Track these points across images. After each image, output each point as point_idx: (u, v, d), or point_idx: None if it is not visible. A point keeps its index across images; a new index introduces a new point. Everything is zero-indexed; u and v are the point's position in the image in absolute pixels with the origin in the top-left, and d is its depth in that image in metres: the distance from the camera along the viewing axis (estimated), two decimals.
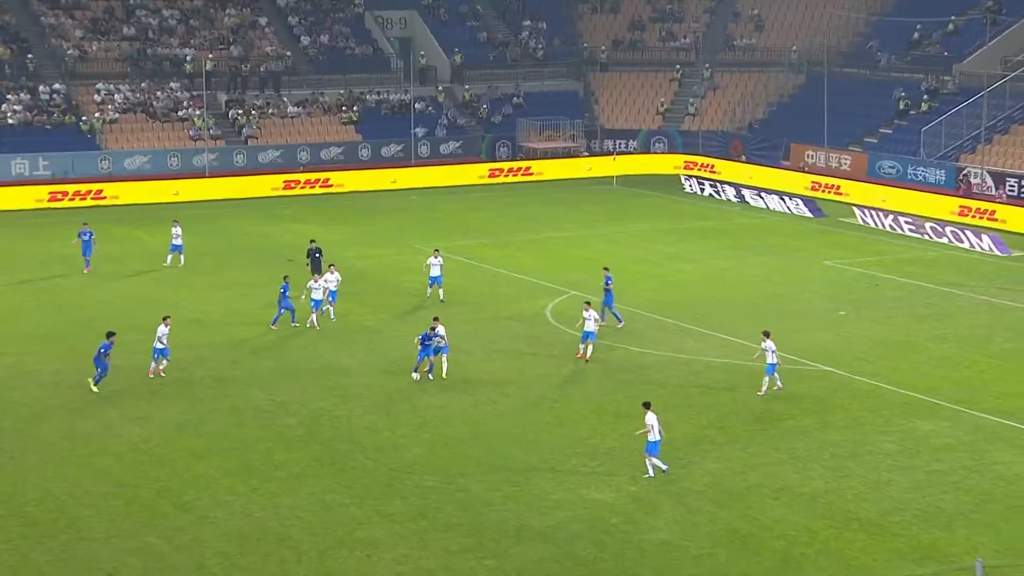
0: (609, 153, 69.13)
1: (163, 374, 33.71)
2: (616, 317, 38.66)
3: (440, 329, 33.66)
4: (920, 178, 59.22)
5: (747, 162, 66.81)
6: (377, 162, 67.87)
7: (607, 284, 38.68)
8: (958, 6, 68.19)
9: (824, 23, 72.26)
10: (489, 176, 67.54)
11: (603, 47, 75.94)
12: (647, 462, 27.10)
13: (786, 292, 43.38)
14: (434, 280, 41.37)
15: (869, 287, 43.47)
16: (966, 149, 59.34)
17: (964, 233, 50.50)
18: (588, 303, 36.15)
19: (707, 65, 73.98)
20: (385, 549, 23.94)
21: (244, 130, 67.31)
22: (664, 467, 27.05)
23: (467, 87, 73.26)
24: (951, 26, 67.46)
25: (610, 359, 35.84)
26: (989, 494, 26.09)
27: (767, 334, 32.34)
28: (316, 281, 38.91)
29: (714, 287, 44.34)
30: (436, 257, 41.52)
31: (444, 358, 33.69)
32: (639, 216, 58.09)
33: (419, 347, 33.39)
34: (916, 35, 68.29)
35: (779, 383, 32.47)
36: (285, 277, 39.57)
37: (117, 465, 27.80)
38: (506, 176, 67.61)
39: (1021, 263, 47.00)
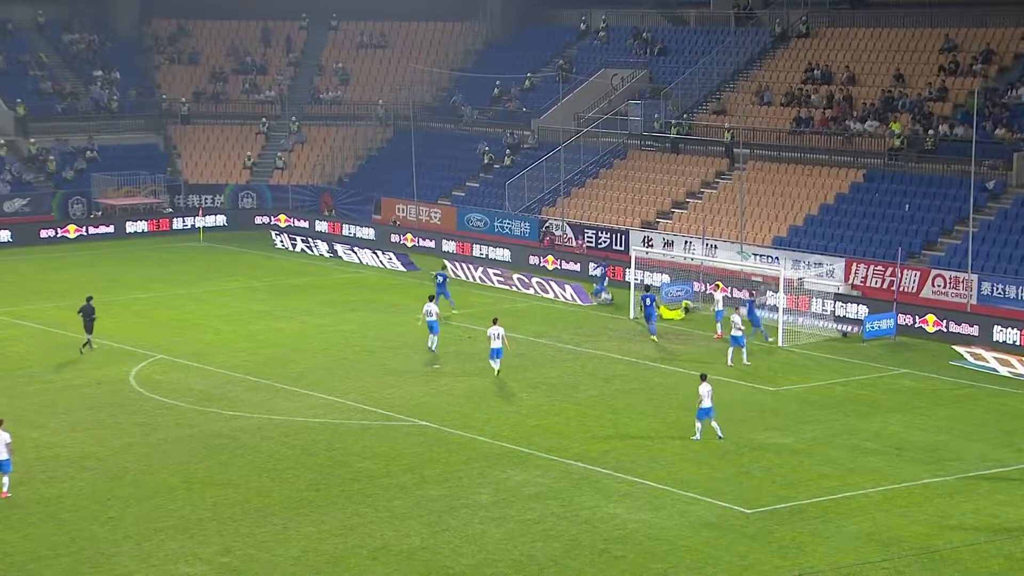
0: (196, 211, 67.81)
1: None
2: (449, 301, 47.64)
3: None
4: (507, 231, 61.87)
5: (338, 217, 67.44)
6: None
7: (442, 279, 48.06)
8: (533, 64, 72.14)
9: (408, 77, 74.40)
10: (62, 234, 64.47)
11: (183, 99, 74.59)
12: (696, 424, 33.45)
13: (382, 347, 44.04)
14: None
15: (463, 340, 44.80)
16: (547, 203, 62.63)
17: (549, 284, 53.13)
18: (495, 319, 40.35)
19: (294, 118, 74.32)
20: None
21: None
22: (720, 433, 33.26)
23: (33, 140, 69.93)
24: (527, 83, 71.25)
25: (201, 424, 35.12)
26: (576, 540, 27.43)
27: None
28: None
29: (310, 345, 44.34)
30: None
31: None
32: (229, 273, 57.36)
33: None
34: (496, 91, 71.61)
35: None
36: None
37: None
38: (83, 234, 64.86)
39: (600, 311, 49.93)
